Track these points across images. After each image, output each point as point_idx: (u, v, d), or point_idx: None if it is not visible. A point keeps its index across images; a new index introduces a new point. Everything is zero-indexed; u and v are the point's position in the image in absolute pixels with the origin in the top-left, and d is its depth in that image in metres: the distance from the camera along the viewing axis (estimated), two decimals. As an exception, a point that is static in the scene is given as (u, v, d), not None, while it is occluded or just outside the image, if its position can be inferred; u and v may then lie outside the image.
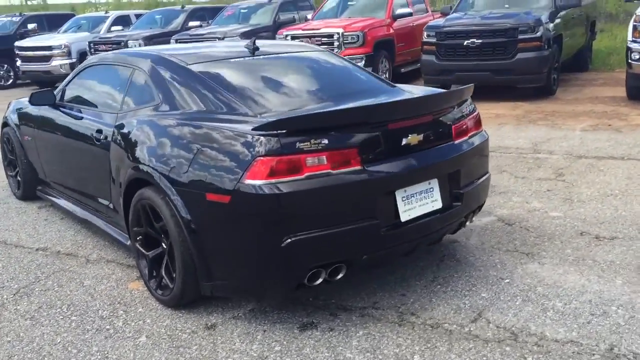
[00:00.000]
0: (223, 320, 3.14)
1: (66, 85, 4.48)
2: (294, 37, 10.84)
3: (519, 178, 5.34)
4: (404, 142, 2.98)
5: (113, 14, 15.60)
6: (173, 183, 3.00)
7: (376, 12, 11.60)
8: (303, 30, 10.91)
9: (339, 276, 2.93)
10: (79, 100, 4.28)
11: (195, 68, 3.46)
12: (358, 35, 10.43)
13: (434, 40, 9.59)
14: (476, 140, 3.44)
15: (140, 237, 3.38)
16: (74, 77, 4.45)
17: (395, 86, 3.87)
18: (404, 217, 2.99)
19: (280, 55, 3.89)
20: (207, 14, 14.41)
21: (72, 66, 12.84)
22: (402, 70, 11.61)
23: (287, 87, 3.53)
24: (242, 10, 13.30)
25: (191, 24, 13.59)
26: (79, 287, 3.61)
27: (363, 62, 10.04)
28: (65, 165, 4.41)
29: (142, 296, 3.44)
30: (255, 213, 2.71)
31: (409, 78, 11.29)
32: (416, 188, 3.06)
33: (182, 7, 14.59)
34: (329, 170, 2.75)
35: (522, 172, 5.49)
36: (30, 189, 5.16)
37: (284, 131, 2.69)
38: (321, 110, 3.08)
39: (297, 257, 2.76)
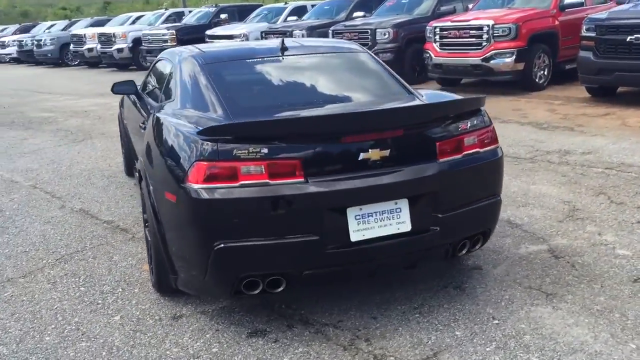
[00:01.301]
0: (191, 313, 3.25)
1: (146, 77, 4.93)
2: (442, 29, 10.43)
3: (614, 203, 4.57)
4: (361, 157, 2.77)
5: (291, 5, 16.42)
6: (150, 176, 3.18)
7: (543, 2, 10.60)
8: (452, 22, 10.42)
9: (279, 289, 2.85)
10: (146, 90, 4.68)
11: (208, 67, 3.56)
12: (510, 28, 9.65)
13: (593, 34, 8.49)
14: (476, 160, 3.05)
15: (145, 222, 3.63)
16: (150, 70, 4.87)
17: (412, 93, 3.55)
18: (355, 236, 2.79)
19: (304, 55, 3.82)
20: (374, 4, 14.43)
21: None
22: (567, 67, 10.48)
23: (285, 89, 3.48)
24: (403, 1, 13.09)
25: (355, 14, 13.74)
26: (107, 261, 4.00)
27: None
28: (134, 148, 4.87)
29: (146, 278, 3.70)
30: (192, 215, 2.76)
31: (572, 77, 10.17)
32: (376, 207, 2.82)
33: (349, -4, 14.80)
34: (267, 180, 2.68)
35: (624, 197, 4.69)
36: (129, 165, 5.78)
37: (223, 137, 2.69)
38: (262, 119, 2.99)
39: (227, 264, 2.76)
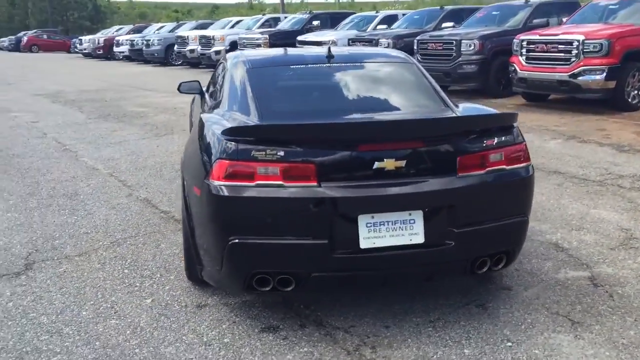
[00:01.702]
0: (215, 303, 3.42)
1: (210, 78, 5.19)
2: (529, 42, 10.11)
3: (680, 234, 4.28)
4: (376, 165, 2.80)
5: (382, 13, 16.48)
6: (186, 170, 3.38)
7: (646, 18, 9.99)
8: (540, 35, 10.06)
9: (289, 288, 2.93)
10: (208, 91, 4.93)
11: (253, 72, 3.71)
12: (602, 44, 9.17)
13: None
14: (501, 177, 2.98)
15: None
16: (214, 72, 5.12)
17: (448, 105, 3.51)
18: (364, 244, 2.82)
19: (348, 64, 3.88)
20: (466, 15, 14.18)
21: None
22: (667, 88, 9.80)
23: (321, 96, 3.56)
24: (494, 12, 12.78)
25: (444, 24, 13.57)
26: (154, 248, 4.27)
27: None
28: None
29: (183, 267, 3.90)
30: (211, 209, 2.91)
31: (669, 98, 9.49)
32: (389, 217, 2.84)
33: (441, 7, 14.64)
34: (281, 182, 2.78)
35: (691, 229, 4.37)
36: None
37: (243, 138, 2.82)
38: (280, 123, 3.06)
39: (240, 259, 2.88)
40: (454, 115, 3.34)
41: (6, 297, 3.55)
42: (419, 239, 2.88)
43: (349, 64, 3.87)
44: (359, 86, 3.70)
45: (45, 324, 3.23)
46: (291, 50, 4.49)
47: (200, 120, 3.50)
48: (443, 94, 3.65)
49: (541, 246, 4.14)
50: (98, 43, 31.23)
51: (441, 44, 12.00)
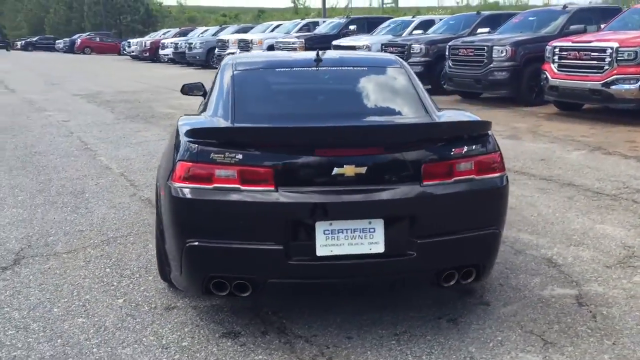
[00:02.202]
0: (184, 306, 3.40)
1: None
2: (562, 49, 9.81)
3: (686, 254, 4.02)
4: (335, 171, 2.72)
5: (418, 18, 16.29)
6: (158, 172, 3.39)
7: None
8: (573, 42, 9.73)
9: (246, 294, 2.88)
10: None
11: (238, 75, 3.67)
12: (637, 52, 8.79)
13: None
14: (469, 187, 2.86)
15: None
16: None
17: (429, 112, 3.36)
18: (321, 251, 2.75)
19: (334, 68, 3.79)
20: (503, 21, 13.86)
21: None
22: None
23: (301, 100, 3.50)
24: (530, 18, 12.44)
25: (480, 30, 13.30)
26: (142, 248, 4.27)
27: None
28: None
29: (164, 268, 3.91)
30: (171, 211, 2.90)
31: None
32: (348, 224, 2.76)
33: (477, 12, 14.35)
34: (238, 186, 2.74)
35: (700, 249, 4.11)
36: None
37: (202, 140, 2.80)
38: (237, 126, 3.01)
39: (196, 262, 2.85)
40: (421, 121, 3.23)
41: (-13, 290, 3.63)
42: (379, 248, 2.79)
43: (335, 68, 3.79)
44: (340, 91, 3.63)
45: (16, 319, 3.28)
46: (283, 54, 4.44)
47: (177, 122, 3.50)
48: (427, 100, 3.52)
49: (533, 261, 3.97)
50: (145, 46, 32.04)
51: (472, 50, 11.76)
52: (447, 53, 12.39)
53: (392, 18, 18.66)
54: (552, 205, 5.18)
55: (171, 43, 28.58)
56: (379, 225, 2.78)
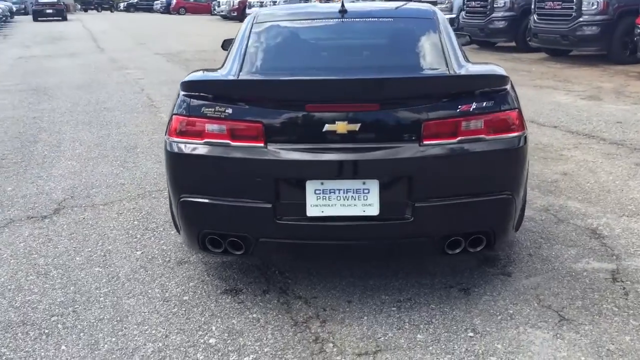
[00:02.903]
0: (196, 261, 3.41)
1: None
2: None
3: None
4: (326, 128, 2.57)
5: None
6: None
7: None
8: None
9: (240, 252, 2.82)
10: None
11: (256, 27, 3.55)
12: None
13: None
14: (477, 147, 2.61)
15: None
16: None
17: (450, 67, 3.07)
18: (312, 211, 2.62)
19: (358, 20, 3.55)
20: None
21: (452, 21, 13.25)
22: None
23: (316, 53, 3.33)
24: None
25: (572, -19, 12.22)
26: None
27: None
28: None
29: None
30: (167, 166, 2.88)
31: None
32: (341, 184, 2.61)
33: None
34: (228, 141, 2.66)
35: None
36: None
37: (195, 93, 2.73)
38: (227, 78, 2.88)
39: (190, 218, 2.82)
40: (422, 75, 2.96)
41: (22, 237, 3.83)
42: (373, 210, 2.62)
43: (359, 20, 3.57)
44: (359, 45, 3.42)
45: (40, 265, 3.44)
46: (312, 6, 4.24)
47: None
48: (452, 54, 3.20)
49: (575, 231, 3.64)
50: (233, 5, 32.41)
51: (560, 2, 10.87)
52: (532, 6, 11.54)
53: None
54: (615, 171, 4.72)
55: (257, 2, 28.70)
56: (373, 186, 2.61)
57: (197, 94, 2.74)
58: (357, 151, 2.60)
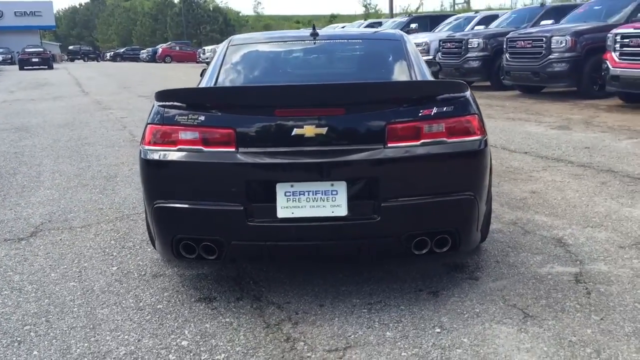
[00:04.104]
0: (171, 274, 3.46)
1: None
2: (624, 37, 9.25)
3: None
4: (294, 132, 2.69)
5: (481, 14, 15.86)
6: None
7: None
8: (635, 28, 9.13)
9: (213, 256, 2.88)
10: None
11: (231, 48, 3.72)
12: None
13: None
14: (439, 150, 2.73)
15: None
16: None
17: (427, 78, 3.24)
18: (282, 213, 2.71)
19: (327, 41, 3.74)
20: (568, 13, 13.24)
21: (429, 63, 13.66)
22: None
23: (285, 70, 3.49)
24: (596, 7, 11.80)
25: (543, 22, 12.76)
26: (151, 224, 4.41)
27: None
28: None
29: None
30: (141, 174, 2.97)
31: None
32: (310, 186, 2.71)
33: (541, 4, 13.78)
34: (201, 147, 2.76)
35: None
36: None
37: (169, 103, 2.84)
38: (198, 87, 3.01)
39: (163, 223, 2.89)
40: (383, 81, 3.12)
41: (-2, 257, 3.85)
42: (342, 211, 2.72)
43: (329, 41, 3.76)
44: (328, 61, 3.59)
45: (15, 281, 3.45)
46: (287, 32, 4.44)
47: None
48: (418, 72, 3.40)
49: (541, 241, 3.75)
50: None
51: (530, 42, 11.30)
52: (504, 46, 11.97)
53: (455, 15, 18.27)
54: (581, 189, 4.88)
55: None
56: (341, 188, 2.71)
57: (170, 103, 2.86)
58: (325, 154, 2.71)
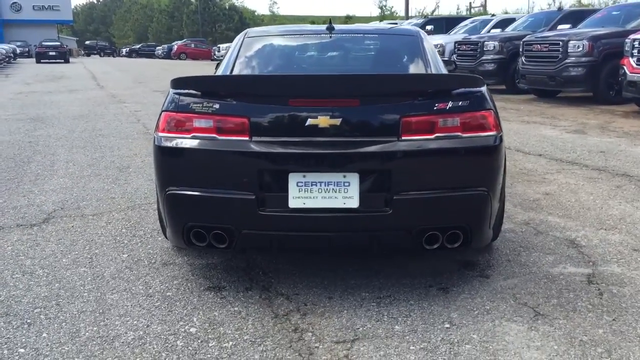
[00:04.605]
0: (181, 263, 3.46)
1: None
2: (641, 42, 9.12)
3: None
4: (309, 122, 2.68)
5: (498, 17, 15.78)
6: None
7: None
8: (653, 34, 9.04)
9: (223, 245, 2.88)
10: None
11: (248, 40, 3.73)
12: None
13: None
14: (453, 144, 2.71)
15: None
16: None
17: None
18: (294, 203, 2.71)
19: (343, 35, 3.74)
20: (586, 18, 13.13)
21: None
22: None
23: (301, 61, 3.48)
24: (614, 13, 11.70)
25: (560, 27, 12.66)
26: (163, 214, 4.42)
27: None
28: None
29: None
30: (155, 161, 2.98)
31: None
32: (322, 177, 2.70)
33: (559, 9, 13.68)
34: (214, 135, 2.77)
35: None
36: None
37: (184, 91, 2.85)
38: (214, 75, 3.01)
39: (175, 210, 2.89)
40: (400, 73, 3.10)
41: (10, 242, 3.87)
42: (353, 203, 2.71)
43: (345, 35, 3.75)
44: (344, 54, 3.58)
45: (26, 265, 3.48)
46: (301, 26, 4.44)
47: None
48: (432, 64, 3.38)
49: (553, 241, 3.72)
50: (232, 50, 33.16)
51: (547, 45, 11.22)
52: (520, 49, 11.90)
53: (471, 17, 18.19)
54: (595, 192, 4.83)
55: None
56: (353, 180, 2.70)
57: (185, 91, 2.86)
58: (338, 145, 2.70)
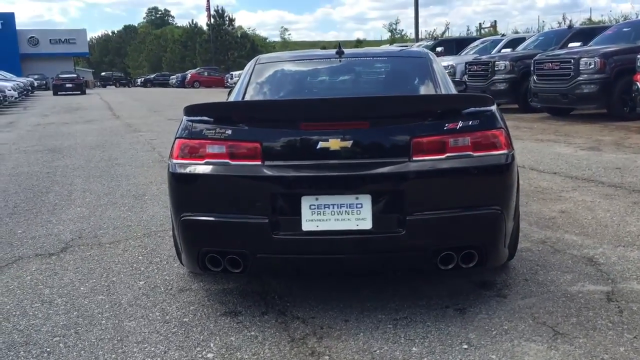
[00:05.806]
0: (198, 288, 3.48)
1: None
2: (652, 58, 9.09)
3: None
4: (320, 145, 2.71)
5: (508, 37, 15.84)
6: None
7: None
8: (665, 50, 9.01)
9: (239, 269, 2.90)
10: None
11: (259, 66, 3.79)
12: None
13: None
14: (465, 163, 2.72)
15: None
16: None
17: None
18: (307, 226, 2.72)
19: (352, 59, 3.79)
20: (597, 34, 13.14)
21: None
22: None
23: (309, 86, 3.52)
24: (625, 29, 11.69)
25: (571, 45, 12.67)
26: (178, 241, 4.45)
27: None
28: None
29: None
30: (169, 187, 3.02)
31: None
32: (335, 199, 2.72)
33: (569, 27, 13.68)
34: (227, 160, 2.80)
35: None
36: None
37: (197, 118, 2.90)
38: (226, 101, 3.06)
39: (190, 236, 2.92)
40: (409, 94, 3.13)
41: (30, 272, 3.92)
42: (367, 224, 2.72)
43: (354, 59, 3.80)
44: (354, 77, 3.62)
45: (45, 294, 3.51)
46: (311, 51, 4.51)
47: None
48: (442, 85, 3.41)
49: (571, 259, 3.68)
50: (245, 77, 33.55)
51: (558, 63, 11.23)
52: (532, 68, 11.91)
53: (481, 38, 18.28)
54: (613, 209, 4.79)
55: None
56: (366, 201, 2.71)
57: (198, 117, 2.91)
58: (349, 167, 2.72)
